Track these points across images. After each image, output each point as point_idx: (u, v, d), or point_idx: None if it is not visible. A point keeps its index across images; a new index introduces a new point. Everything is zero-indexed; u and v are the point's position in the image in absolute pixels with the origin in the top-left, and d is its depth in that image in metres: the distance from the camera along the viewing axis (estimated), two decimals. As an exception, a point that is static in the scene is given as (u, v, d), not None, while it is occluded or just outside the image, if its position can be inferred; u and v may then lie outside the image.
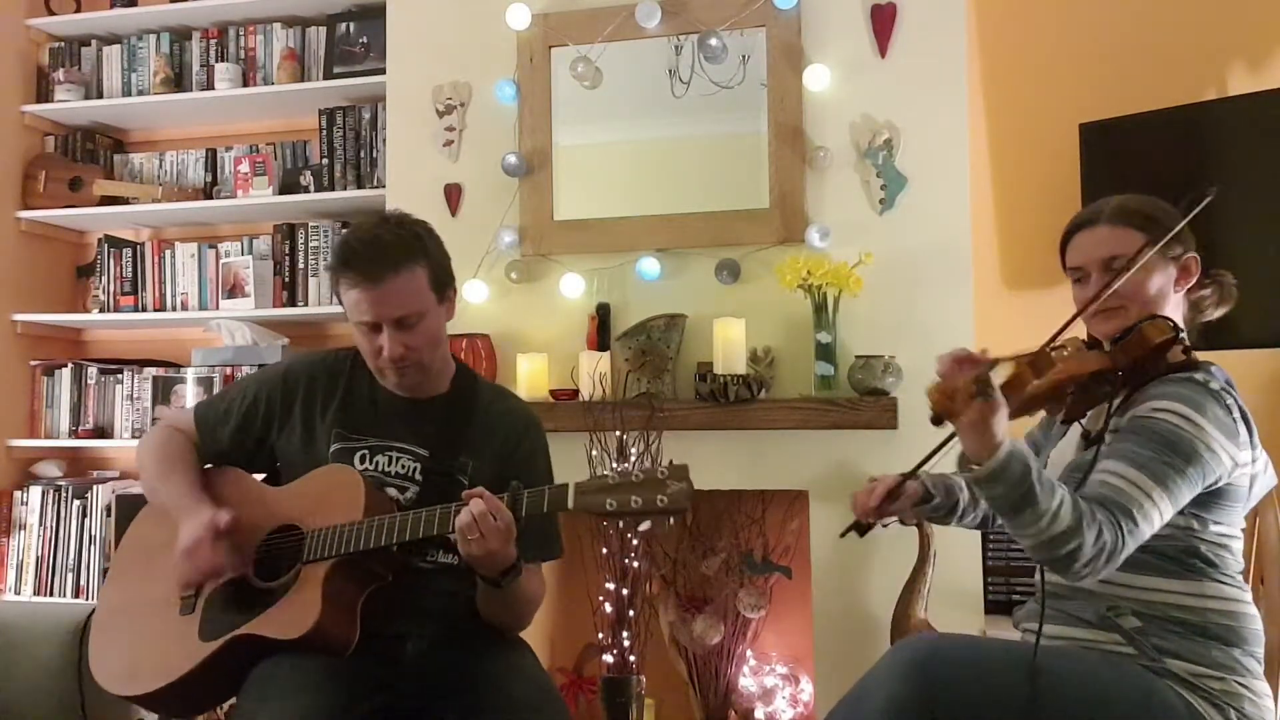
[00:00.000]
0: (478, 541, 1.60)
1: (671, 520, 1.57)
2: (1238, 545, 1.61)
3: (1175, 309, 1.67)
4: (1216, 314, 1.73)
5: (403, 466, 1.82)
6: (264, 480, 1.92)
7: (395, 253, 1.74)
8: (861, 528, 1.73)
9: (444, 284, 1.82)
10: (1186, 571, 1.56)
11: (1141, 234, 1.62)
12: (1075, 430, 1.71)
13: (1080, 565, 1.44)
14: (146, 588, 1.81)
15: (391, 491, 1.80)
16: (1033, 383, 1.49)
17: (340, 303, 1.80)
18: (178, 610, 1.75)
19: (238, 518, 1.73)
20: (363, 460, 1.82)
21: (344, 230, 1.84)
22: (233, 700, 1.74)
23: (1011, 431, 1.47)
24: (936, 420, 1.44)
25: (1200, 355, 1.65)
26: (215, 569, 1.72)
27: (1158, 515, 1.48)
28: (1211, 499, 1.55)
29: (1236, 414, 1.55)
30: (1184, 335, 1.61)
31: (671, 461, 1.58)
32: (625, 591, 2.67)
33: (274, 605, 1.68)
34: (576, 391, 2.72)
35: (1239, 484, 1.57)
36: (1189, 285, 1.68)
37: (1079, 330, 1.63)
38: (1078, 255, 1.70)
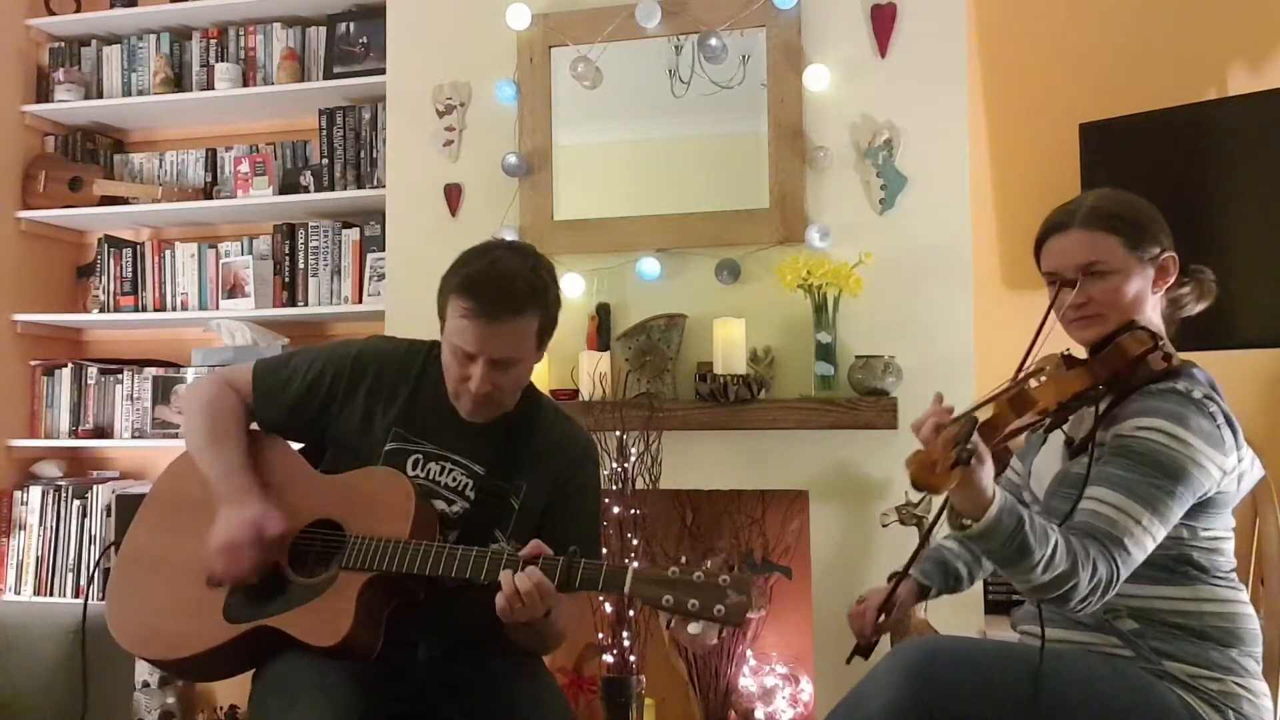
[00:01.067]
0: (519, 610, 1.57)
1: (723, 632, 1.54)
2: (1229, 545, 1.60)
3: (1154, 309, 1.65)
4: (1197, 309, 1.72)
5: (455, 480, 1.79)
6: (302, 451, 1.86)
7: (521, 298, 1.69)
8: (865, 650, 1.73)
9: (547, 335, 1.78)
10: (1181, 578, 1.55)
11: (1116, 237, 1.60)
12: (1057, 436, 1.70)
13: (1077, 602, 1.44)
14: (176, 545, 1.76)
15: (440, 504, 1.77)
16: (1014, 422, 1.48)
17: (440, 315, 1.74)
18: (205, 579, 1.71)
19: (285, 532, 1.70)
20: (416, 465, 1.78)
21: (473, 249, 1.79)
22: (228, 685, 1.73)
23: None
24: (917, 490, 1.39)
25: (1197, 355, 1.64)
26: (248, 575, 1.68)
27: (1150, 540, 1.47)
28: (1201, 508, 1.54)
29: (1220, 420, 1.53)
30: (1163, 343, 1.57)
31: (734, 569, 1.54)
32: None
33: (305, 604, 1.65)
34: (576, 391, 2.72)
35: (1228, 489, 1.56)
36: (1167, 285, 1.66)
37: (1058, 340, 1.62)
38: (1052, 261, 1.66)
